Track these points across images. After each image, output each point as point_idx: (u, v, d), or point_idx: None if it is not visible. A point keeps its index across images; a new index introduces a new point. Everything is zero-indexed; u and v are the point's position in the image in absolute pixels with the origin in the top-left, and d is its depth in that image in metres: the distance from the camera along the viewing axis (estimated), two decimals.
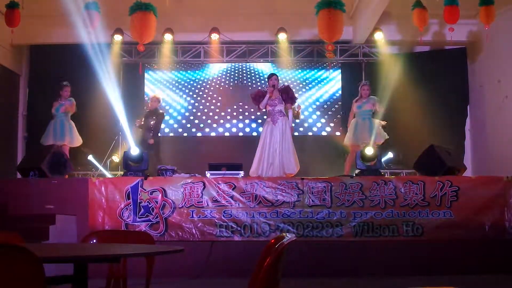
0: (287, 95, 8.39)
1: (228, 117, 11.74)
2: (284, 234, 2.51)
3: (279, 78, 8.72)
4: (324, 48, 10.81)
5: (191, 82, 12.01)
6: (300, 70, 12.00)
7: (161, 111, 10.19)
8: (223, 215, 6.87)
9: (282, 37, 10.79)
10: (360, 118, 8.95)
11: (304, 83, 11.92)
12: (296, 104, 8.68)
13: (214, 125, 11.74)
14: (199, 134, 11.67)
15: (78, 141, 9.27)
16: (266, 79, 8.93)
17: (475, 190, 6.98)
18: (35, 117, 11.18)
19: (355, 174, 7.76)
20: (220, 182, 6.97)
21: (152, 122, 9.65)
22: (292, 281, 5.14)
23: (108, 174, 9.88)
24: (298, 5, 9.90)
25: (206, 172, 7.56)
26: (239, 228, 6.84)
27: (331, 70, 11.90)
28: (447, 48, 11.34)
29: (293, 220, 6.87)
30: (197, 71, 12.06)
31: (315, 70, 12.03)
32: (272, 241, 2.41)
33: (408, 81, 10.21)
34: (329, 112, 11.75)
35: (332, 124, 11.67)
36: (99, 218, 6.86)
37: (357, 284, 6.28)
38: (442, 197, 6.92)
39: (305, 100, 11.72)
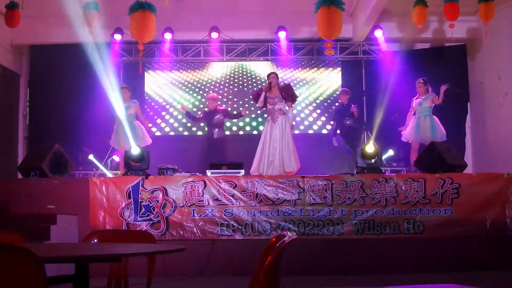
0: (287, 93, 8.39)
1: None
2: (285, 232, 2.51)
3: (278, 76, 8.71)
4: (324, 46, 10.84)
5: (191, 81, 12.01)
6: (300, 68, 12.00)
7: (222, 107, 10.46)
8: (224, 214, 6.87)
9: (282, 35, 10.80)
10: (422, 115, 9.04)
11: (304, 81, 11.91)
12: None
13: None
14: (199, 133, 11.67)
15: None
16: (266, 78, 8.93)
17: (476, 187, 6.98)
18: (35, 117, 11.20)
19: (356, 172, 7.76)
20: (221, 180, 6.98)
21: (218, 117, 9.96)
22: (293, 279, 5.15)
23: (109, 174, 9.88)
24: (298, 3, 9.90)
25: (207, 171, 7.56)
26: (240, 227, 6.85)
27: (331, 68, 11.90)
28: (447, 45, 11.34)
29: (294, 218, 6.87)
30: (197, 70, 12.06)
31: (315, 68, 12.03)
32: (273, 239, 2.41)
33: (408, 78, 10.20)
34: (329, 110, 11.74)
35: (332, 122, 11.65)
36: (100, 218, 6.87)
37: (358, 281, 6.28)
38: (443, 195, 6.92)
39: (305, 98, 11.71)
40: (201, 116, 10.54)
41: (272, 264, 2.22)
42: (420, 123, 9.04)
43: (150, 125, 10.24)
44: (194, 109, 11.80)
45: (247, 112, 10.24)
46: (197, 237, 6.82)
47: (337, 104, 11.26)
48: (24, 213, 6.59)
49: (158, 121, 11.73)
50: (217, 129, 10.01)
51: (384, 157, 9.52)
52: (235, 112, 10.62)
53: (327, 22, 8.04)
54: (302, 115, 11.74)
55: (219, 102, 10.58)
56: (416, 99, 9.20)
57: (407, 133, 9.21)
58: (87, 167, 10.57)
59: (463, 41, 11.10)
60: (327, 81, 11.95)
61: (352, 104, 10.31)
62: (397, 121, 9.95)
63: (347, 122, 10.36)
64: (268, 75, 8.53)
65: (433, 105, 9.10)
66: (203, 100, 11.80)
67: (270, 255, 2.25)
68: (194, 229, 6.84)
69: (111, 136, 9.35)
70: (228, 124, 11.67)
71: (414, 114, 9.25)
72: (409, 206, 6.90)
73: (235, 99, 11.86)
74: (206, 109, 10.41)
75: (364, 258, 6.75)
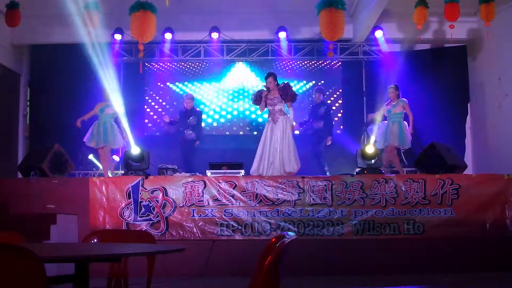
0: (286, 94, 8.36)
1: (229, 116, 11.73)
2: (285, 233, 2.51)
3: (277, 77, 8.68)
4: (324, 46, 10.86)
5: (192, 81, 12.00)
6: (300, 69, 11.99)
7: (198, 109, 10.45)
8: (224, 214, 6.87)
9: (282, 35, 10.80)
10: (391, 121, 8.97)
11: (304, 82, 11.91)
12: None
13: (215, 124, 11.74)
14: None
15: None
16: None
17: (476, 188, 6.98)
18: (35, 116, 11.20)
19: (356, 172, 7.76)
20: (221, 181, 6.98)
21: (192, 119, 9.95)
22: (293, 280, 5.14)
23: (109, 174, 9.87)
24: (298, 4, 9.91)
25: (207, 171, 7.56)
26: (240, 227, 6.84)
27: (331, 69, 11.90)
28: (447, 46, 11.34)
29: (294, 218, 6.87)
30: (197, 70, 12.05)
31: (315, 69, 12.02)
32: (273, 240, 2.41)
33: (409, 79, 10.20)
34: (329, 111, 11.72)
35: (333, 123, 11.63)
36: (100, 218, 6.87)
37: (358, 282, 6.29)
38: (443, 195, 6.92)
39: (305, 98, 11.71)
40: (178, 117, 10.35)
41: (272, 265, 2.22)
42: (389, 129, 8.92)
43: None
44: None
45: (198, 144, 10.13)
46: (197, 237, 6.82)
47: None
48: (24, 213, 6.59)
49: (158, 121, 11.73)
50: (190, 131, 9.95)
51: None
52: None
53: (330, 24, 8.05)
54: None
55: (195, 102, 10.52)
56: (387, 104, 9.09)
57: (378, 139, 9.07)
58: (87, 167, 10.57)
59: (464, 42, 11.10)
60: (328, 81, 11.93)
61: (324, 106, 10.25)
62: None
63: (315, 125, 10.27)
64: (266, 78, 8.48)
65: (404, 111, 8.92)
66: (204, 100, 11.80)
67: (270, 255, 2.25)
68: (194, 229, 6.84)
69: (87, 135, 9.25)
70: (228, 124, 11.69)
71: (385, 119, 9.16)
72: (409, 206, 6.90)
73: (235, 100, 11.85)
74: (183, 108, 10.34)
75: (364, 258, 6.75)
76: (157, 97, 11.91)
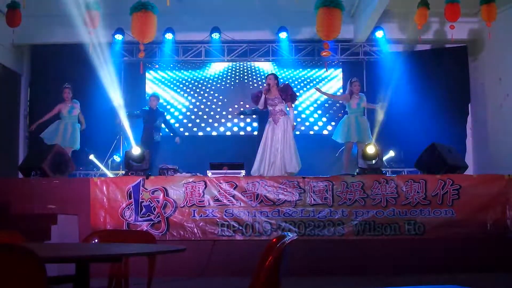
0: (287, 94, 8.37)
1: (230, 116, 11.74)
2: (285, 233, 2.51)
3: (278, 77, 8.70)
4: (323, 47, 10.85)
5: (192, 82, 12.02)
6: (301, 69, 12.00)
7: (161, 109, 10.30)
8: (225, 214, 6.87)
9: (283, 36, 10.80)
10: (354, 115, 9.03)
11: (305, 82, 11.91)
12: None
13: (216, 124, 11.76)
14: (200, 133, 11.67)
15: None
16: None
17: (477, 189, 6.98)
18: (36, 116, 11.18)
19: (357, 172, 7.76)
20: (221, 181, 6.97)
21: (158, 122, 9.90)
22: (293, 280, 5.14)
23: (110, 174, 9.89)
24: (299, 4, 9.88)
25: (208, 171, 7.56)
26: (240, 227, 6.84)
27: (332, 69, 11.90)
28: (448, 47, 11.34)
29: (294, 219, 6.87)
30: (198, 70, 12.06)
31: (316, 69, 12.03)
32: (274, 240, 2.41)
33: (409, 79, 10.21)
34: (330, 111, 11.75)
35: (333, 123, 11.65)
36: (100, 218, 6.86)
37: (358, 283, 6.28)
38: (444, 196, 6.92)
39: (306, 99, 11.72)
40: (139, 113, 10.24)
41: (272, 265, 2.22)
42: (351, 124, 9.05)
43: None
44: (195, 109, 11.82)
45: (178, 142, 10.15)
46: (198, 238, 6.82)
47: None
48: (24, 213, 6.60)
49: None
50: (159, 133, 10.00)
51: (384, 158, 9.52)
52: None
53: (326, 23, 8.04)
54: (303, 115, 11.74)
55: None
56: (351, 98, 9.17)
57: (338, 134, 9.21)
58: (88, 167, 10.57)
59: (464, 42, 11.10)
60: (328, 82, 11.94)
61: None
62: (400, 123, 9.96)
63: None
64: (266, 77, 8.53)
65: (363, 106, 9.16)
66: (204, 100, 11.81)
67: (270, 255, 2.25)
68: (195, 230, 6.84)
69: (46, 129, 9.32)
70: (229, 124, 11.69)
71: (346, 113, 9.28)
72: (410, 207, 6.90)
73: (236, 99, 11.86)
74: (147, 107, 10.26)
75: (365, 259, 6.75)
76: None
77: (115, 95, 9.06)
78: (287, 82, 8.56)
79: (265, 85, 8.43)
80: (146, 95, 11.79)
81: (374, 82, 10.99)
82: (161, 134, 10.01)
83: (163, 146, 10.26)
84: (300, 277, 6.10)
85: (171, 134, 10.29)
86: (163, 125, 10.10)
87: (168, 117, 11.04)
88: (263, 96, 8.30)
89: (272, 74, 8.64)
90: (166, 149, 10.38)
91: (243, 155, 9.30)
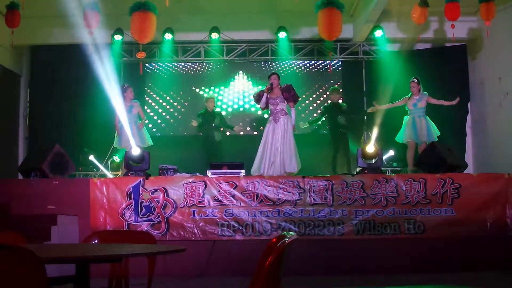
0: (289, 94, 8.38)
1: (229, 116, 11.73)
2: (285, 232, 2.51)
3: (279, 77, 8.70)
4: (325, 46, 10.87)
5: (192, 82, 12.00)
6: (300, 69, 11.99)
7: (218, 109, 10.54)
8: (225, 214, 6.87)
9: (282, 35, 10.79)
10: (417, 116, 9.01)
11: (304, 81, 11.89)
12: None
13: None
14: (200, 133, 11.65)
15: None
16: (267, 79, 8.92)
17: (477, 187, 6.98)
18: (36, 117, 11.20)
19: (356, 172, 7.76)
20: (221, 181, 6.98)
21: (216, 122, 10.14)
22: (293, 280, 5.14)
23: (109, 174, 9.88)
24: (298, 4, 9.89)
25: (208, 171, 7.55)
26: (240, 227, 6.84)
27: (331, 68, 11.89)
28: (447, 46, 11.34)
29: (294, 218, 6.87)
30: (197, 70, 12.05)
31: (316, 68, 12.02)
32: (274, 240, 2.41)
33: (409, 78, 10.19)
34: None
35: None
36: (100, 218, 6.86)
37: (358, 282, 6.28)
38: (444, 195, 6.92)
39: (305, 98, 11.70)
40: (200, 118, 10.31)
41: (272, 265, 2.21)
42: (416, 124, 8.98)
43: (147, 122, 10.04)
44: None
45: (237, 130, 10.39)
46: (198, 238, 6.82)
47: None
48: (24, 213, 6.59)
49: (159, 121, 11.73)
50: (219, 133, 10.27)
51: (384, 157, 9.52)
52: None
53: (328, 24, 8.09)
54: (303, 115, 11.72)
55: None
56: (409, 99, 9.12)
57: (404, 133, 9.16)
58: (88, 168, 10.56)
59: (464, 41, 11.10)
60: (328, 81, 11.92)
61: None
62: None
63: None
64: (269, 76, 8.53)
65: (426, 105, 9.04)
66: (203, 100, 11.78)
67: (271, 255, 2.24)
68: (195, 230, 6.84)
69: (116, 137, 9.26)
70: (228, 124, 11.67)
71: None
72: (410, 206, 6.90)
73: (236, 100, 11.85)
74: (203, 110, 10.31)
75: (365, 258, 6.75)
76: (157, 98, 11.90)
77: (115, 96, 9.04)
78: (290, 83, 8.55)
79: (268, 84, 8.41)
80: (145, 96, 11.79)
81: (374, 81, 10.98)
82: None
83: (163, 146, 10.26)
84: (300, 276, 6.10)
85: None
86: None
87: (223, 113, 11.13)
88: (265, 95, 8.30)
89: (276, 73, 8.65)
90: (166, 149, 10.38)
91: (243, 155, 9.29)
